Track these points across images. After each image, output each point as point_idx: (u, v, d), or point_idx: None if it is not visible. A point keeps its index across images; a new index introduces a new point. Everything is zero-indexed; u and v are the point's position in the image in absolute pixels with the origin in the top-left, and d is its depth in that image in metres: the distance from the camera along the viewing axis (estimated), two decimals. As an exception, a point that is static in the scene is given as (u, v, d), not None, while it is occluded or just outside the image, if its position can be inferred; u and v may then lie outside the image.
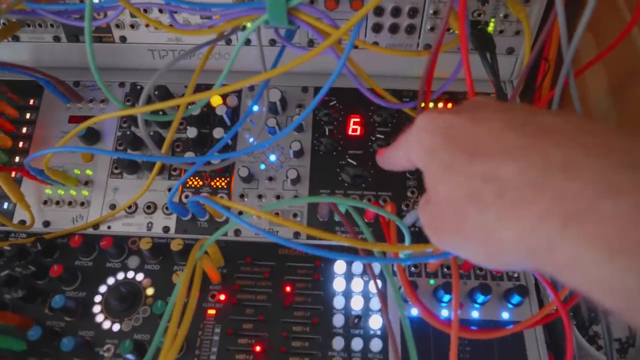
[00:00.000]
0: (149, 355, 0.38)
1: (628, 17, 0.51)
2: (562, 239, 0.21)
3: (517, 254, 0.24)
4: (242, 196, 0.58)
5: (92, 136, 0.60)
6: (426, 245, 0.41)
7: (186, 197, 0.58)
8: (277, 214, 0.57)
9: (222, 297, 0.53)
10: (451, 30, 0.54)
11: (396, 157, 0.35)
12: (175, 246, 0.52)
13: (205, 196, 0.45)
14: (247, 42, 0.59)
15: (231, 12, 0.43)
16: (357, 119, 0.61)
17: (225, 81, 0.45)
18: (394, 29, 0.56)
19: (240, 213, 0.52)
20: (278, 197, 0.58)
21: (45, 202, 0.58)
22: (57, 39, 0.61)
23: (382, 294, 0.43)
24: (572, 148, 0.23)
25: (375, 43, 0.58)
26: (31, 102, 0.63)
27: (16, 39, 0.61)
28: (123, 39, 0.60)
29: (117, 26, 0.59)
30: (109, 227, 0.57)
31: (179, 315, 0.39)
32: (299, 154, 0.58)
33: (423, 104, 0.48)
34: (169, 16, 0.48)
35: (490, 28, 0.56)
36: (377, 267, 0.54)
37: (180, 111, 0.50)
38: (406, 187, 0.58)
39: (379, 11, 0.55)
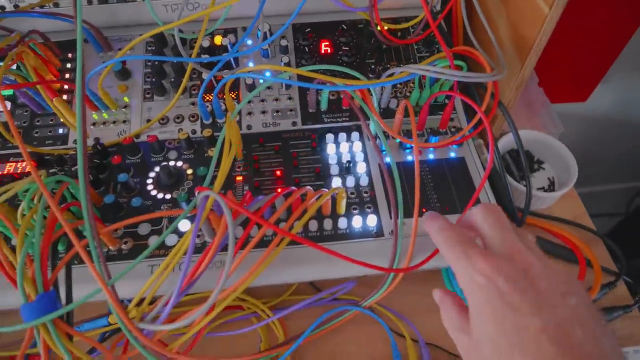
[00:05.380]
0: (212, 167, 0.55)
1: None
2: None
3: None
4: (248, 102, 0.76)
5: (125, 73, 0.77)
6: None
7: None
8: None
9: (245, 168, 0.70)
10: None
11: (444, 249, 0.40)
12: (207, 133, 0.70)
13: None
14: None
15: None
16: (327, 42, 0.81)
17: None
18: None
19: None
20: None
21: (93, 124, 0.74)
22: (89, 2, 0.78)
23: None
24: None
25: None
26: (69, 55, 0.80)
27: (56, 5, 0.78)
28: (135, -2, 0.78)
29: (137, -12, 0.77)
30: (148, 136, 0.74)
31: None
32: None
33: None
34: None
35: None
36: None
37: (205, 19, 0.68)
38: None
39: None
